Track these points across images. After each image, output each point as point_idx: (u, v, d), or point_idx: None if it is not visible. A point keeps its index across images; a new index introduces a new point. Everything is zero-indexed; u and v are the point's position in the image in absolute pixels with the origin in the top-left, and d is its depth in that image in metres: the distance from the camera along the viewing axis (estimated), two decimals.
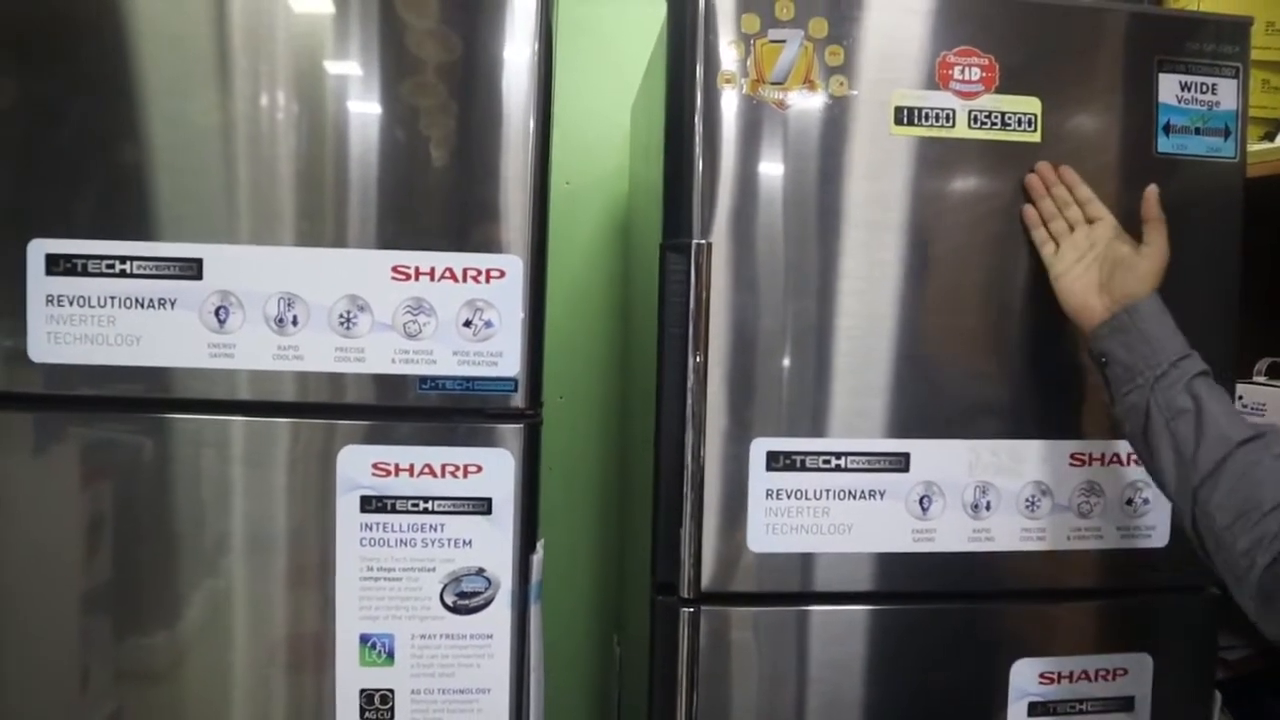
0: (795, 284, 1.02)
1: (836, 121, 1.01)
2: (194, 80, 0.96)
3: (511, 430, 1.00)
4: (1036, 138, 1.03)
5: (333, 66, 0.97)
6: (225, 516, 0.99)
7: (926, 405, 1.04)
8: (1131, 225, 1.01)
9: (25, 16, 0.95)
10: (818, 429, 1.02)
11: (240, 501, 1.00)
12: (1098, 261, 0.99)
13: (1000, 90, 1.02)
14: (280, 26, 0.97)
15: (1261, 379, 1.34)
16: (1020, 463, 1.04)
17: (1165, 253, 0.97)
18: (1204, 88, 1.05)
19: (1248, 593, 0.82)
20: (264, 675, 1.01)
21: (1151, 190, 0.98)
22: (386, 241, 0.98)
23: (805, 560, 1.03)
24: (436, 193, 0.99)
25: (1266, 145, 1.30)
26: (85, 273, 0.96)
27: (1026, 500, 1.05)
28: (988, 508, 1.04)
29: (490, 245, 0.99)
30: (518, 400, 1.00)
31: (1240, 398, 1.28)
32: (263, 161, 0.97)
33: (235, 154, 0.97)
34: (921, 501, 1.03)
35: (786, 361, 1.02)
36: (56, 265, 0.96)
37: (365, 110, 0.98)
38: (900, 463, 1.03)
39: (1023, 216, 1.03)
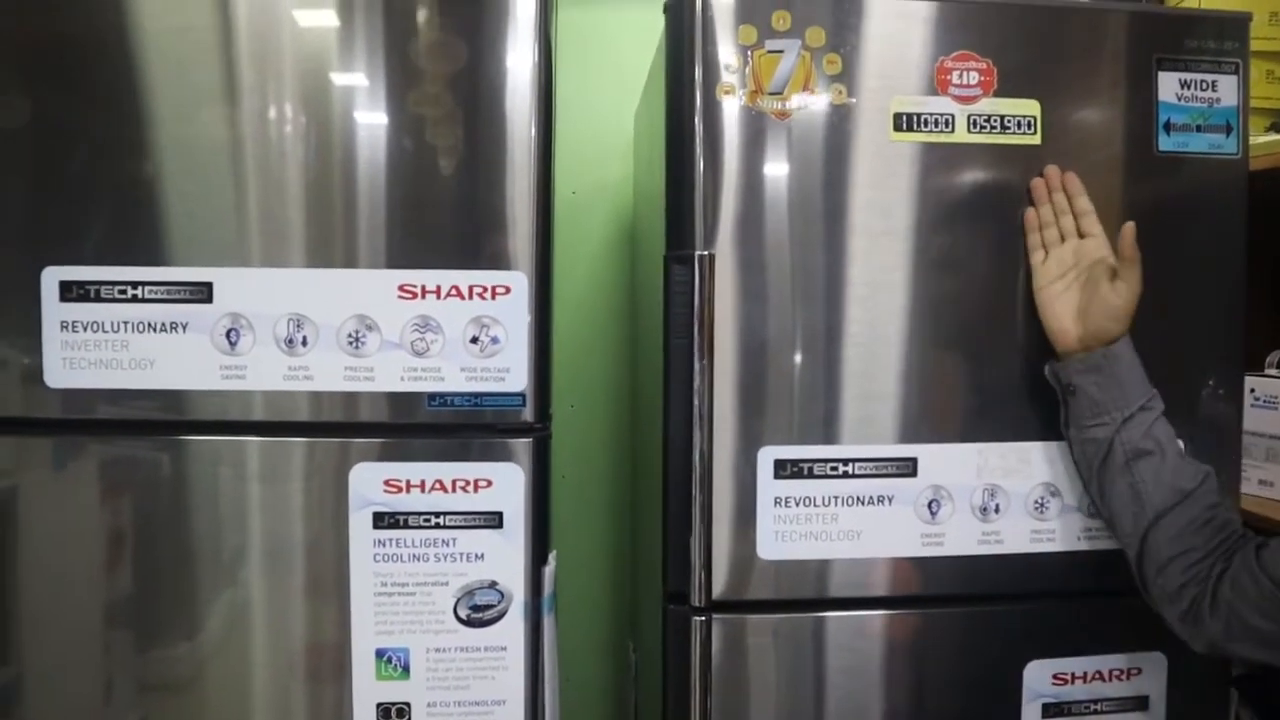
0: (802, 292, 1.02)
1: (837, 130, 1.02)
2: (202, 99, 0.98)
3: (520, 444, 1.01)
4: (1037, 140, 1.03)
5: (339, 79, 0.98)
6: (242, 534, 1.01)
7: (934, 409, 1.04)
8: (1137, 224, 1.00)
9: (34, 39, 0.97)
10: (827, 435, 1.03)
11: (256, 520, 1.01)
12: (1078, 282, 1.01)
13: (999, 94, 1.02)
14: (287, 41, 0.98)
15: (1274, 371, 1.33)
16: (1028, 464, 1.05)
17: (1138, 291, 0.98)
18: (1204, 85, 1.05)
19: (1176, 614, 0.95)
20: (283, 689, 1.02)
21: (1128, 228, 0.97)
22: (394, 255, 0.99)
23: (816, 567, 1.03)
24: (444, 203, 1.00)
25: (1273, 137, 1.29)
26: (98, 298, 0.97)
27: (1035, 502, 1.05)
28: (996, 510, 1.04)
29: (497, 258, 0.99)
30: (526, 414, 1.00)
31: (1252, 390, 1.27)
32: (271, 179, 0.98)
33: (244, 173, 0.98)
34: (930, 506, 1.04)
35: (795, 369, 1.02)
36: (70, 292, 0.97)
37: (372, 121, 0.99)
38: (908, 467, 1.03)
39: (1023, 219, 1.03)
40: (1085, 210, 1.02)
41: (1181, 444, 1.02)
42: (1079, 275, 1.01)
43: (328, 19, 0.98)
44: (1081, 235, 1.02)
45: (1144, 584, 0.98)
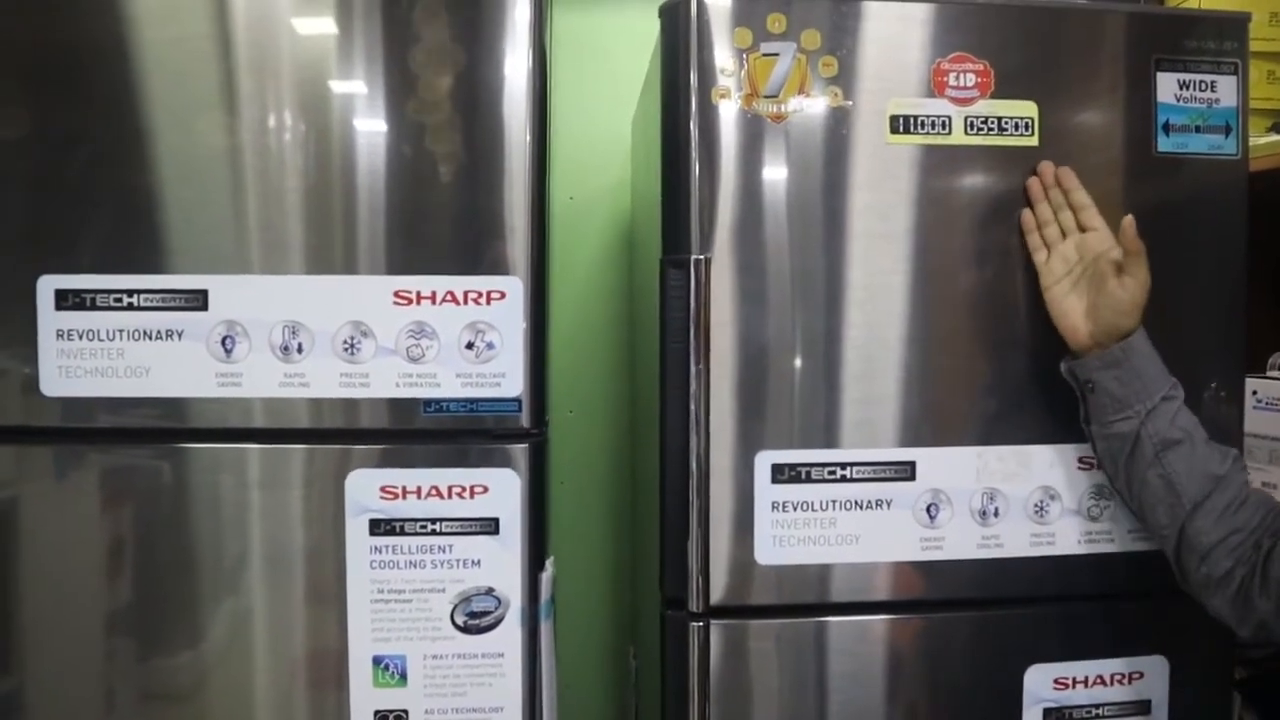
0: (800, 296, 1.02)
1: (834, 132, 1.01)
2: (201, 107, 0.98)
3: (517, 450, 1.00)
4: (1034, 141, 1.03)
5: (338, 86, 0.99)
6: (242, 542, 1.01)
7: (933, 412, 1.03)
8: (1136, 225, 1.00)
9: (32, 47, 0.97)
10: (827, 439, 1.02)
11: (256, 527, 1.01)
12: (1085, 277, 0.99)
13: (996, 95, 1.02)
14: (285, 49, 0.98)
15: (1275, 373, 1.32)
16: (1027, 468, 1.04)
17: (1147, 284, 0.97)
18: (1203, 85, 1.04)
19: (1225, 598, 0.93)
20: (284, 696, 1.02)
21: (1128, 221, 0.95)
22: (392, 261, 0.99)
23: (814, 572, 1.03)
24: (442, 209, 1.00)
25: (1273, 138, 1.29)
26: (94, 307, 0.97)
27: (1035, 505, 1.04)
28: (996, 514, 1.04)
29: (495, 264, 0.99)
30: (522, 420, 1.00)
31: (1254, 392, 1.27)
32: (270, 187, 0.98)
33: (243, 181, 0.99)
34: (929, 510, 1.03)
35: (794, 373, 1.02)
36: (66, 300, 0.97)
37: (371, 129, 0.99)
38: (906, 471, 1.02)
39: (1020, 220, 1.03)
40: (1083, 204, 1.00)
41: None
42: (1085, 271, 0.99)
43: (326, 27, 0.99)
44: (1083, 229, 1.00)
45: (1184, 574, 0.97)
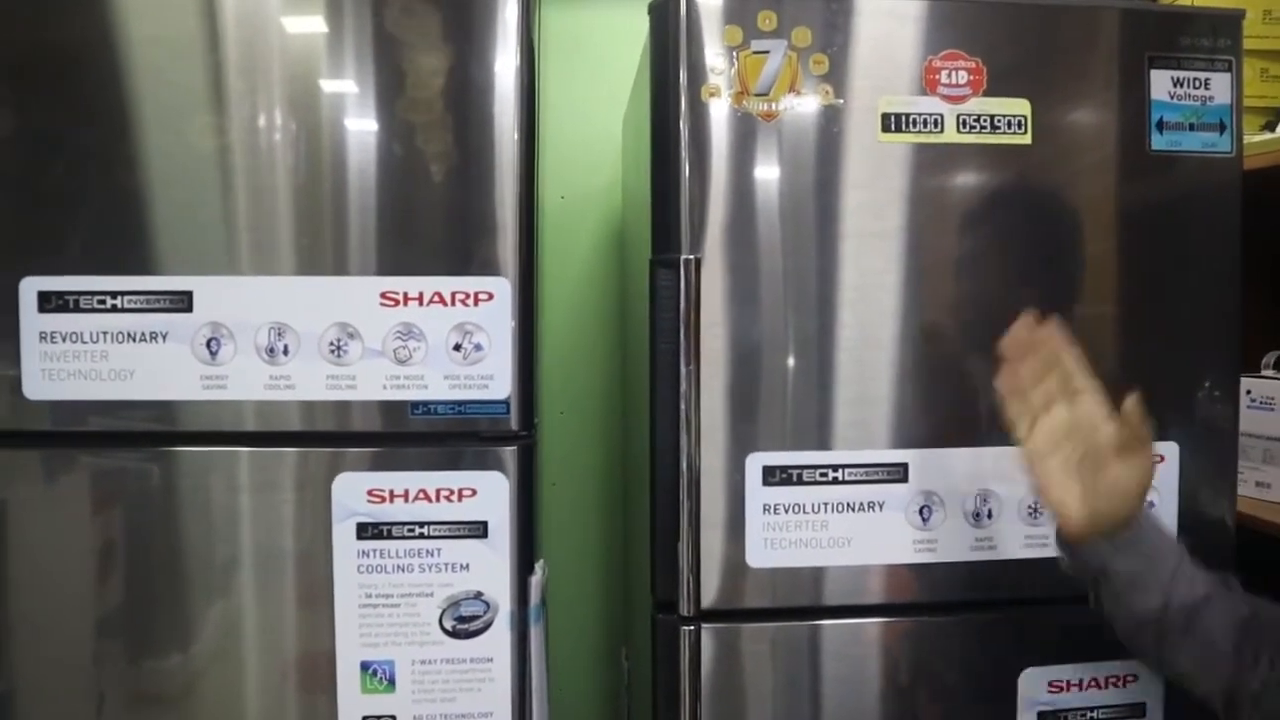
0: (793, 296, 1.01)
1: (825, 131, 1.00)
2: (189, 107, 0.97)
3: (505, 452, 1.00)
4: (1027, 139, 1.02)
5: (328, 86, 0.98)
6: (232, 545, 1.00)
7: (927, 413, 1.03)
8: (1130, 224, 0.98)
9: (18, 47, 0.96)
10: (820, 440, 1.01)
11: (245, 531, 1.00)
12: (1075, 454, 0.87)
13: (988, 93, 1.01)
14: (275, 48, 0.98)
15: (1270, 373, 1.32)
16: (1021, 469, 1.03)
17: (1151, 471, 0.86)
18: (1197, 83, 1.04)
19: None
20: (273, 701, 1.01)
21: (1132, 405, 0.83)
22: (383, 262, 0.98)
23: (807, 574, 1.02)
24: (432, 209, 0.99)
25: (1267, 136, 1.28)
26: (77, 309, 0.96)
27: (1029, 507, 1.04)
28: (989, 516, 1.03)
29: (485, 264, 0.99)
30: (510, 422, 1.00)
31: (1248, 392, 1.26)
32: (259, 187, 0.98)
33: (232, 181, 0.98)
34: (921, 512, 1.02)
35: (786, 373, 1.01)
36: (49, 302, 0.96)
37: (361, 128, 0.98)
38: (898, 473, 1.02)
39: (996, 386, 0.90)
40: (1070, 370, 0.87)
41: (1178, 450, 0.99)
42: (1077, 448, 0.87)
43: (315, 25, 0.98)
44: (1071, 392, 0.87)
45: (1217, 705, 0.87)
